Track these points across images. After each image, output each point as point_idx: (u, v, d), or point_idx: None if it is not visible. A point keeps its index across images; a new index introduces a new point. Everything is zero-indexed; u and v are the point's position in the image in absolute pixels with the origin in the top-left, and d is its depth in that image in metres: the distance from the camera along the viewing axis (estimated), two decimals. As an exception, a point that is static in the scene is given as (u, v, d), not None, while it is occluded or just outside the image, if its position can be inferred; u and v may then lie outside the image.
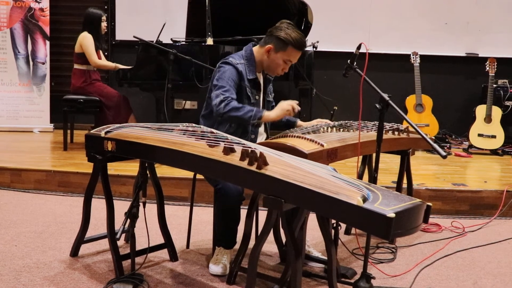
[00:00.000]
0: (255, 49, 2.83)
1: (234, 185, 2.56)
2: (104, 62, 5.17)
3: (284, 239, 2.76)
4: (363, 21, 6.41)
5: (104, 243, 2.94)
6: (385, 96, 2.46)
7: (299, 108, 2.72)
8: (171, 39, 4.92)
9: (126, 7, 6.48)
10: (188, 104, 6.48)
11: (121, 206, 3.12)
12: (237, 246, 2.69)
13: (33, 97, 6.33)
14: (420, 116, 5.88)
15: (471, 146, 5.71)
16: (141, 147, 2.39)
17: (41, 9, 6.27)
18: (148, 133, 2.47)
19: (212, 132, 2.35)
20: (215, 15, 4.79)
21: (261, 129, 2.93)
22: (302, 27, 5.20)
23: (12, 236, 3.16)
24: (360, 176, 3.25)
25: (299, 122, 3.01)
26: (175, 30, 5.22)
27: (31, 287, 2.48)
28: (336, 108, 3.31)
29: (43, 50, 6.32)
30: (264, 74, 2.92)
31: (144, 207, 2.55)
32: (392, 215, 1.64)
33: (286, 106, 2.66)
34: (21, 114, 6.33)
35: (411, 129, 3.01)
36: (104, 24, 5.16)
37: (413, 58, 5.91)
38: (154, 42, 4.77)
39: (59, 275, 2.63)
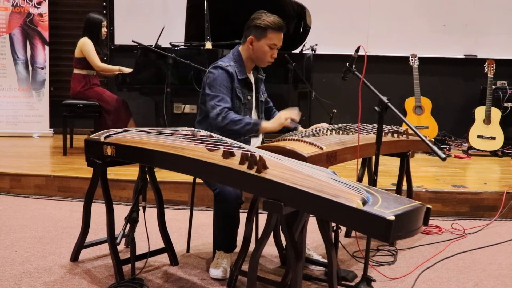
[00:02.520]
0: (241, 48, 2.85)
1: (232, 189, 2.56)
2: (108, 65, 5.17)
3: (284, 243, 2.76)
4: (362, 23, 6.42)
5: (104, 248, 2.94)
6: (384, 98, 2.46)
7: (297, 119, 2.73)
8: (170, 43, 4.93)
9: (125, 12, 6.49)
10: (188, 108, 6.48)
11: (121, 211, 3.12)
12: (237, 250, 2.68)
13: (32, 102, 6.33)
14: (420, 118, 5.89)
15: (470, 147, 5.71)
16: (140, 151, 2.39)
17: (40, 14, 6.28)
18: (147, 137, 2.47)
19: (211, 136, 2.35)
20: (214, 19, 4.80)
21: None
22: (301, 30, 5.21)
23: (12, 241, 3.16)
24: (359, 179, 3.25)
25: (300, 129, 3.01)
26: (174, 34, 5.23)
27: (31, 293, 2.48)
28: (335, 111, 3.31)
29: (42, 55, 6.33)
30: (255, 74, 2.93)
31: (144, 211, 2.55)
32: (392, 217, 1.64)
33: (284, 120, 2.68)
34: (20, 119, 6.33)
35: (410, 131, 3.01)
36: (104, 30, 5.17)
37: (412, 60, 5.92)
38: (153, 46, 4.77)
39: (59, 280, 2.63)
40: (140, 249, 2.72)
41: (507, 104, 5.87)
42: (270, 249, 3.02)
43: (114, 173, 4.03)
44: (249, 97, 2.84)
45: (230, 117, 2.63)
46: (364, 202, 1.74)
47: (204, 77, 2.82)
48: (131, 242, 2.48)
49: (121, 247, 3.04)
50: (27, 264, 2.81)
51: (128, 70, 4.95)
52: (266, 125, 2.70)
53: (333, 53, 6.14)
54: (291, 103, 5.20)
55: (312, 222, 2.67)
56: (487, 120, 5.66)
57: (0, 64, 6.27)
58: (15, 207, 3.91)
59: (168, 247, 2.90)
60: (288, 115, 2.71)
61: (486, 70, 5.73)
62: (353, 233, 3.42)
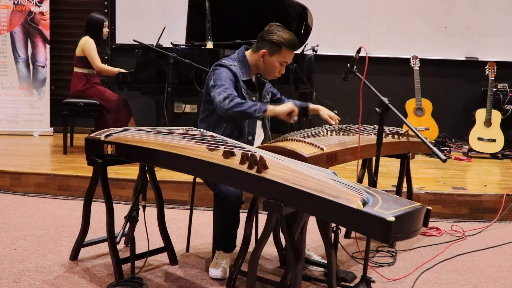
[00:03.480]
0: (248, 53, 2.85)
1: (233, 189, 2.56)
2: (107, 66, 5.17)
3: (284, 243, 2.76)
4: (363, 24, 6.42)
5: (104, 247, 2.94)
6: (385, 99, 2.46)
7: (295, 119, 2.74)
8: (171, 43, 4.93)
9: (126, 11, 6.49)
10: (188, 108, 6.48)
11: (121, 210, 3.12)
12: (237, 250, 2.68)
13: (33, 101, 6.34)
14: (420, 120, 5.89)
15: (471, 150, 5.71)
16: (141, 150, 2.39)
17: (41, 13, 6.28)
18: (148, 136, 2.47)
19: (212, 136, 2.35)
20: (215, 19, 4.79)
21: (259, 130, 2.93)
22: (302, 31, 5.21)
23: (11, 239, 3.16)
24: (360, 180, 3.25)
25: (310, 105, 3.02)
26: (175, 34, 5.23)
27: (30, 291, 2.48)
28: (336, 111, 3.31)
29: (43, 53, 6.33)
30: (257, 77, 2.93)
31: (144, 210, 2.55)
32: (392, 218, 1.64)
33: (293, 107, 2.69)
34: (21, 118, 6.33)
35: (411, 132, 3.02)
36: (106, 30, 5.17)
37: (412, 61, 5.92)
38: (154, 45, 4.77)
39: (59, 278, 2.63)
40: (140, 248, 2.72)
41: (507, 107, 5.87)
42: (270, 249, 3.02)
43: (114, 172, 4.03)
44: (253, 98, 2.85)
45: (236, 100, 2.62)
46: (364, 203, 1.74)
47: (208, 75, 2.82)
48: (130, 241, 2.48)
49: (120, 246, 3.03)
50: (26, 263, 2.81)
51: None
52: (274, 107, 2.68)
53: (334, 54, 6.15)
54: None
55: (312, 223, 2.67)
56: (488, 122, 5.66)
57: (1, 63, 6.27)
58: (15, 206, 3.91)
59: (168, 247, 2.90)
60: (295, 108, 2.71)
61: (487, 72, 5.73)
62: (353, 234, 3.43)
